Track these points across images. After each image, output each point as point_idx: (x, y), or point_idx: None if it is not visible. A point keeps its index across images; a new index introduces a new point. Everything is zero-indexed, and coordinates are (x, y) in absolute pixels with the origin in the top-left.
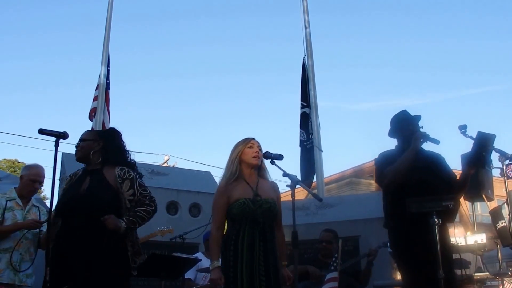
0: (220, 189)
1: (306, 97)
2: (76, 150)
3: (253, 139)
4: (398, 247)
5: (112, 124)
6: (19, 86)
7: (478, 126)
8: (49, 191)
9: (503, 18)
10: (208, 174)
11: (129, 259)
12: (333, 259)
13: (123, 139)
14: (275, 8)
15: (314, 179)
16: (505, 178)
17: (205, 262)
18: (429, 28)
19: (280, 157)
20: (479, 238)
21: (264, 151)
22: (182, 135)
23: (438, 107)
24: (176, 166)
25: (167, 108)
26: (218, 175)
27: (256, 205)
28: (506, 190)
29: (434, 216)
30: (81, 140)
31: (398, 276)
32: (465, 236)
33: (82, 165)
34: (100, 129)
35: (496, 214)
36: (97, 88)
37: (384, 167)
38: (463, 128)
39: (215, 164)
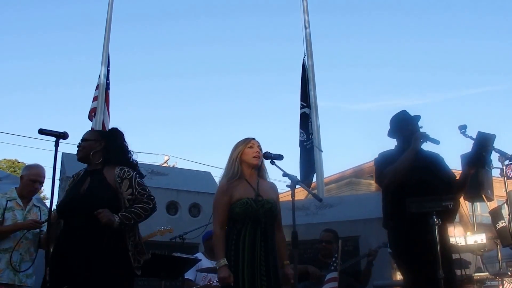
0: (222, 188)
1: (306, 97)
2: (77, 150)
3: (253, 139)
4: (398, 247)
5: (112, 124)
6: (19, 86)
7: (478, 126)
8: (49, 191)
9: (503, 18)
10: (208, 174)
11: (130, 259)
12: (333, 259)
13: (125, 139)
14: (275, 8)
15: (314, 179)
16: (505, 178)
17: (205, 262)
18: (429, 28)
19: (280, 157)
20: (479, 238)
21: (264, 151)
22: (182, 135)
23: (438, 107)
24: (176, 166)
25: (167, 108)
26: (218, 175)
27: (258, 205)
28: (506, 190)
29: (434, 216)
30: (83, 140)
31: (398, 276)
32: (465, 236)
33: (82, 165)
34: (100, 129)
35: (496, 214)
36: (97, 88)
37: (384, 167)
38: (463, 128)
39: (215, 164)
